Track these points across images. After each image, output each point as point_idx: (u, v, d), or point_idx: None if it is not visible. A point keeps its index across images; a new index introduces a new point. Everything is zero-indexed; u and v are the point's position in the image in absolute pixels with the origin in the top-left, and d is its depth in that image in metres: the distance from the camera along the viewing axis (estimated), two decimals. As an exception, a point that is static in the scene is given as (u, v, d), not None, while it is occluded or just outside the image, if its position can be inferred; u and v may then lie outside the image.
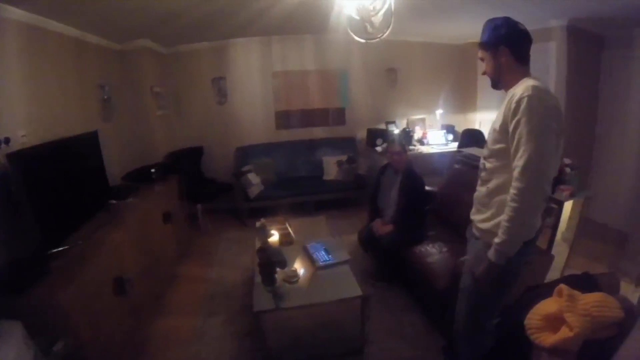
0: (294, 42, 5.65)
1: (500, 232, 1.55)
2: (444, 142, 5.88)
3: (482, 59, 1.78)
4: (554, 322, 1.16)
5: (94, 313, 2.13)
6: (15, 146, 2.29)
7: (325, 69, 5.88)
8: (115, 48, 4.23)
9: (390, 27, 2.46)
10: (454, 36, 5.93)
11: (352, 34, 2.63)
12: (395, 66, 6.12)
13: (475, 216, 1.85)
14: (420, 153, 5.58)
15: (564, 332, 1.12)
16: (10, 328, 1.69)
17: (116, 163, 3.81)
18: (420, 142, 5.91)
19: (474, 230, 1.87)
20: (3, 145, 2.24)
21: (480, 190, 1.80)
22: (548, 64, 4.24)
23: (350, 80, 6.02)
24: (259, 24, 4.21)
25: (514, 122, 1.51)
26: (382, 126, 6.06)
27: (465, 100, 6.39)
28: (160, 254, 3.47)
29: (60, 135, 2.76)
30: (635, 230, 3.32)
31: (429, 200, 3.67)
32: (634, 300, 1.99)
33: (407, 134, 5.82)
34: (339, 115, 6.14)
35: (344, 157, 5.54)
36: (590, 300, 1.14)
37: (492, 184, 1.70)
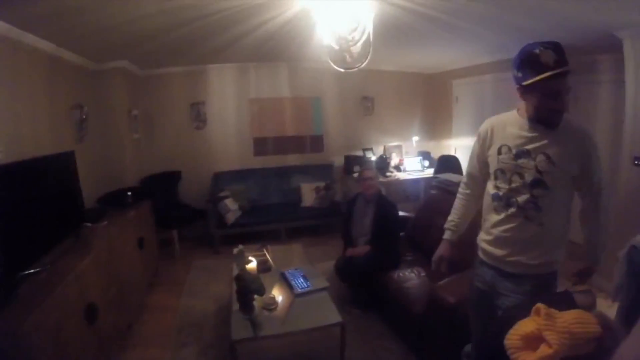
0: (270, 69, 5.75)
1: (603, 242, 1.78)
2: (420, 168, 6.02)
3: (569, 90, 1.58)
4: (533, 341, 1.18)
5: (61, 343, 2.02)
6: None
7: (302, 97, 5.99)
8: (91, 67, 4.17)
9: (369, 57, 2.54)
10: (427, 66, 6.17)
11: (332, 63, 2.70)
12: (371, 94, 6.30)
13: (517, 257, 1.73)
14: (397, 179, 5.67)
15: (543, 350, 1.14)
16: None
17: (90, 185, 3.68)
18: (397, 168, 6.02)
19: (512, 269, 1.75)
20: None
21: (527, 230, 1.70)
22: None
23: (325, 107, 6.14)
24: (234, 49, 4.28)
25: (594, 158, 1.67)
26: (360, 153, 6.15)
27: (440, 127, 6.58)
28: (131, 280, 3.35)
29: (34, 155, 2.62)
30: (608, 249, 3.44)
31: (403, 226, 3.70)
32: (611, 315, 2.04)
33: (383, 161, 5.92)
34: (316, 142, 6.22)
35: (321, 184, 5.57)
36: (568, 317, 1.17)
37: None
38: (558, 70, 1.48)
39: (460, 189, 2.06)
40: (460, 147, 5.97)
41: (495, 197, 1.78)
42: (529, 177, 1.65)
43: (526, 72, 1.56)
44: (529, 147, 1.65)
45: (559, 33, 3.05)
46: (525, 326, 1.22)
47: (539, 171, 1.62)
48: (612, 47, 3.29)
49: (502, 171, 1.73)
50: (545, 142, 1.62)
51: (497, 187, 1.77)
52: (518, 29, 3.34)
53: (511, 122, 1.73)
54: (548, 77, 1.49)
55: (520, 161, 1.66)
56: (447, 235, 2.05)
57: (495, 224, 1.79)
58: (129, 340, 3.11)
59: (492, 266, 1.83)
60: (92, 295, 2.50)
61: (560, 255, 1.74)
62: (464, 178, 2.05)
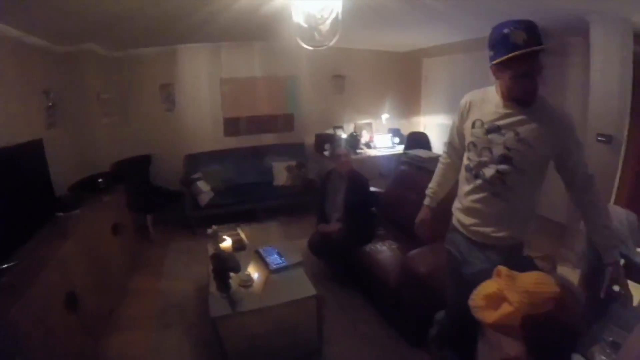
0: (243, 48, 5.64)
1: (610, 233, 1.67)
2: (391, 145, 6.12)
3: (540, 69, 1.59)
4: (496, 300, 1.28)
5: (46, 330, 2.03)
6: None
7: (274, 76, 5.92)
8: (59, 51, 3.99)
9: (337, 35, 2.55)
10: (399, 44, 6.19)
11: (300, 41, 2.70)
12: (342, 73, 6.29)
13: (484, 228, 1.82)
14: (368, 156, 5.76)
15: (505, 308, 1.24)
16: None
17: (61, 172, 3.55)
18: (367, 145, 6.11)
19: (480, 239, 1.85)
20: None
21: (493, 205, 1.78)
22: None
23: (299, 86, 6.10)
24: (207, 29, 4.16)
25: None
26: (330, 131, 6.19)
27: (410, 105, 6.68)
28: (109, 267, 3.33)
29: (0, 145, 2.53)
30: (572, 221, 3.62)
31: (374, 201, 3.80)
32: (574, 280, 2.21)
33: (354, 138, 5.99)
34: (287, 121, 6.19)
35: (293, 163, 5.59)
36: (527, 278, 1.27)
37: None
38: (526, 50, 1.49)
39: (440, 158, 2.17)
40: (429, 124, 6.08)
41: (467, 169, 1.86)
42: (496, 152, 1.71)
43: (497, 51, 1.59)
44: (499, 123, 1.70)
45: (531, 15, 3.13)
46: (487, 287, 1.32)
47: (507, 147, 1.67)
48: (583, 30, 3.37)
49: (474, 144, 1.80)
50: (516, 119, 1.66)
51: (469, 159, 1.85)
52: (491, 10, 3.37)
53: (488, 98, 1.78)
54: (517, 57, 1.50)
55: (491, 136, 1.72)
56: (426, 201, 2.17)
57: (466, 194, 1.88)
58: (113, 324, 3.12)
59: (462, 234, 1.93)
60: (71, 284, 2.48)
61: (527, 230, 1.82)
62: (444, 147, 2.15)
